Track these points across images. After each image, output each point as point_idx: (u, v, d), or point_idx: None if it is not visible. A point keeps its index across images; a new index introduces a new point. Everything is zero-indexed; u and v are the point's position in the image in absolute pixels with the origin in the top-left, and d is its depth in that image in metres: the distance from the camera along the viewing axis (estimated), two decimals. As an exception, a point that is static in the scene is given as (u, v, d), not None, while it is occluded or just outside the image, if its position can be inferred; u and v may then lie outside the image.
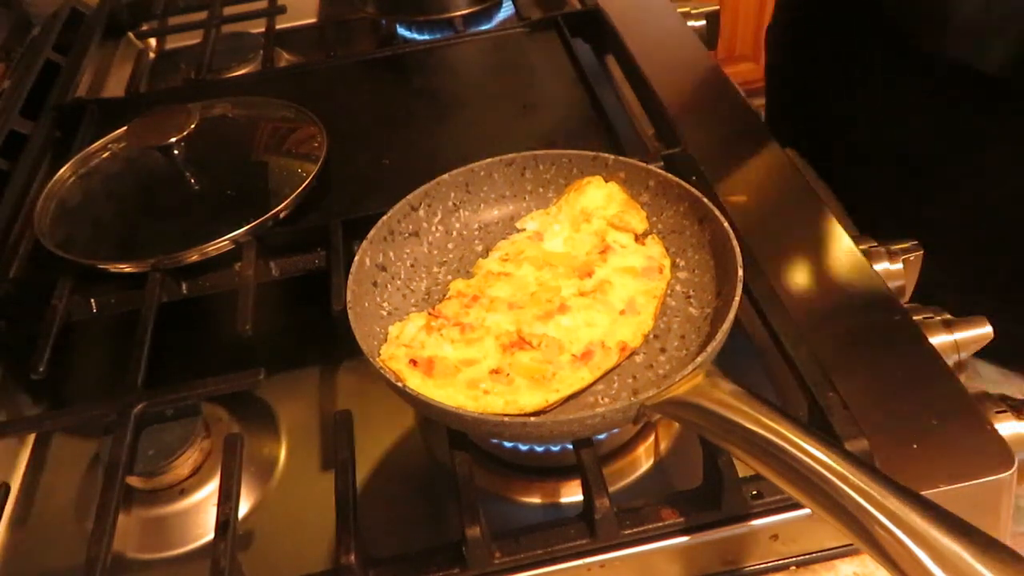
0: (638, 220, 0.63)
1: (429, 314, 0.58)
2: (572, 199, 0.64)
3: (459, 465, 0.52)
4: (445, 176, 0.64)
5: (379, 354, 0.55)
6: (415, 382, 0.52)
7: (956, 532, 0.36)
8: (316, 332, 0.69)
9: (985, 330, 0.63)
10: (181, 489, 0.60)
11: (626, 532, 0.50)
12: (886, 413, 0.55)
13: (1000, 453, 0.52)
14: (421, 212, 0.64)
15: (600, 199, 0.63)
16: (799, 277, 0.65)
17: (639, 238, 0.62)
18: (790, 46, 1.05)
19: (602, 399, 0.54)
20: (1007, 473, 0.51)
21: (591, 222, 0.63)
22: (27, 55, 1.07)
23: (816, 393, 0.53)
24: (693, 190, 0.60)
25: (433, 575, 0.50)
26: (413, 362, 0.54)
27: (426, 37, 1.04)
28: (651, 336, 0.57)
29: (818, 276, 0.66)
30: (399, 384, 0.51)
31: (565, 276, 0.60)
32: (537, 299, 0.58)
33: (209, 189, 0.74)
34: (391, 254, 0.61)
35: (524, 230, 0.65)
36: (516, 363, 0.54)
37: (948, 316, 0.64)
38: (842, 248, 0.67)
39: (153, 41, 1.17)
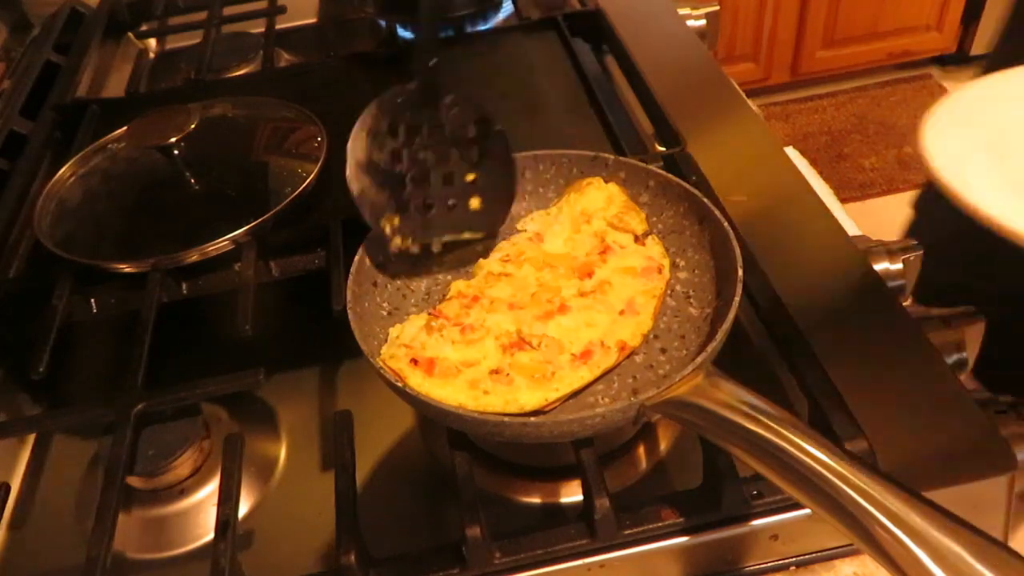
0: (638, 221, 0.63)
1: (430, 314, 0.58)
2: (572, 200, 0.64)
3: (459, 465, 0.52)
4: (445, 176, 0.64)
5: (379, 354, 0.55)
6: (416, 381, 0.52)
7: (956, 532, 0.36)
8: (316, 332, 0.69)
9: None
10: (181, 489, 0.60)
11: (626, 532, 0.50)
12: (886, 413, 0.55)
13: (1000, 453, 0.52)
14: (421, 212, 0.63)
15: (600, 201, 0.63)
16: (799, 277, 0.65)
17: (639, 239, 0.62)
18: None
19: (602, 399, 0.54)
20: (1007, 473, 0.51)
21: (591, 223, 0.63)
22: (27, 55, 1.07)
23: (816, 393, 0.54)
24: (693, 190, 0.60)
25: (433, 575, 0.50)
26: (414, 361, 0.54)
27: (426, 37, 1.04)
28: (651, 336, 0.57)
29: (818, 276, 0.66)
30: (399, 384, 0.51)
31: (565, 276, 0.60)
32: (537, 299, 0.58)
33: (209, 189, 0.74)
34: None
35: (524, 231, 0.65)
36: (516, 363, 0.54)
37: (948, 315, 0.64)
38: (842, 248, 0.67)
39: (153, 41, 1.17)
